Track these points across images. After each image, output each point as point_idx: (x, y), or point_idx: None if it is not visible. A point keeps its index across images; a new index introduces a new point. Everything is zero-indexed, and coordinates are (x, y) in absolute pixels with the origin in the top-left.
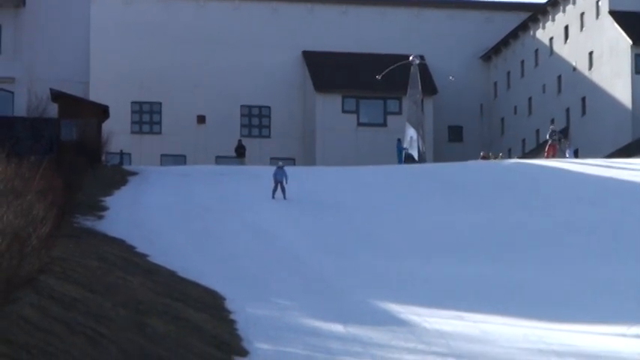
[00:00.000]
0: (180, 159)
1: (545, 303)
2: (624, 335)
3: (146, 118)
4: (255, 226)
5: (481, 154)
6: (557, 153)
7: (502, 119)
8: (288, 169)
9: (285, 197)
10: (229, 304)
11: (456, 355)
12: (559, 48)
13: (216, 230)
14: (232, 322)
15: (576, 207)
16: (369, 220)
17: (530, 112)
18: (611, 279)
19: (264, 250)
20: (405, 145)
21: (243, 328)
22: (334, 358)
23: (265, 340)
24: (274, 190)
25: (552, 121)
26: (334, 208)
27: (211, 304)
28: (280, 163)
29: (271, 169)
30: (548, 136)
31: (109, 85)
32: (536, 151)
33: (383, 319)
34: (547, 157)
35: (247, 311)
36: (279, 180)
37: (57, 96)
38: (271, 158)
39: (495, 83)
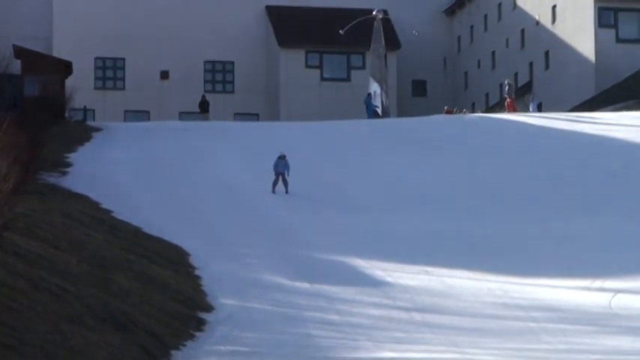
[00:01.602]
0: (143, 115)
1: (510, 257)
2: (588, 288)
3: (109, 74)
4: (219, 182)
5: (445, 108)
6: (516, 107)
7: (465, 73)
8: (252, 125)
9: (287, 191)
10: (194, 260)
11: (420, 310)
12: (522, 2)
13: (180, 186)
14: (197, 278)
15: (540, 161)
16: (334, 175)
17: (493, 67)
18: (576, 233)
19: (228, 205)
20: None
21: (207, 284)
22: (299, 313)
23: (230, 296)
24: (275, 184)
25: (516, 76)
26: (299, 162)
27: (176, 260)
28: (282, 154)
29: (235, 125)
30: (505, 93)
31: (72, 41)
32: (500, 105)
33: (349, 275)
34: (509, 111)
35: (212, 267)
36: (280, 172)
37: (19, 52)
38: (235, 114)
39: (459, 37)
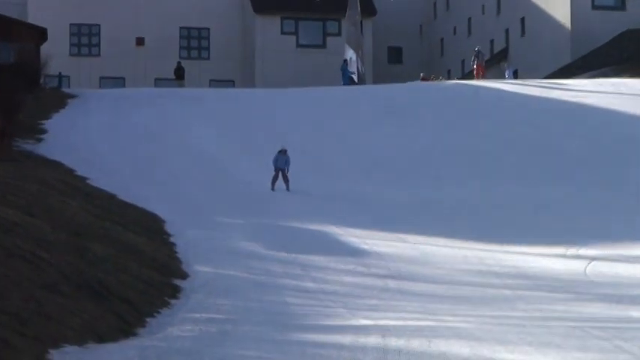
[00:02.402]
0: (119, 81)
1: (485, 224)
2: (564, 256)
3: (85, 40)
4: (195, 148)
5: (421, 75)
6: (485, 73)
7: (441, 40)
8: (227, 91)
9: (288, 188)
10: (169, 227)
11: (395, 277)
12: None
13: (156, 153)
14: (172, 245)
15: (516, 128)
16: (310, 142)
17: (469, 33)
18: (551, 200)
19: (204, 172)
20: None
21: (182, 251)
22: (275, 281)
23: (205, 263)
24: (274, 180)
25: (492, 43)
26: (275, 129)
27: (151, 227)
28: (282, 147)
29: (211, 92)
30: (473, 57)
31: (47, 7)
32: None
33: (324, 242)
34: (477, 78)
35: (187, 234)
36: (280, 168)
37: None
38: (210, 80)
39: (435, 4)
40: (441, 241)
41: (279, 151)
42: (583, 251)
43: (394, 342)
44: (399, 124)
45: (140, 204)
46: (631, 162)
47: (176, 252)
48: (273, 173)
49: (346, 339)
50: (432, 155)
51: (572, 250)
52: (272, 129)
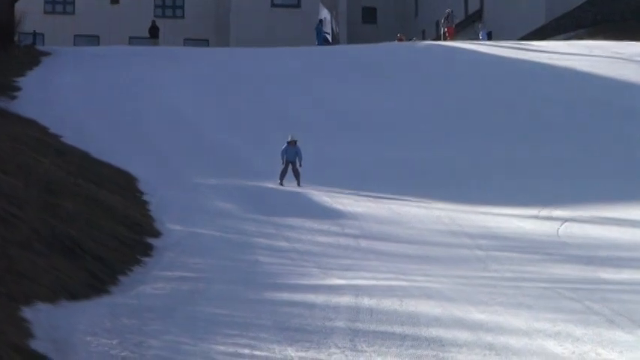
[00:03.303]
0: (93, 39)
1: (457, 185)
2: (536, 217)
3: None
4: (169, 108)
5: (398, 35)
6: (455, 34)
7: (416, 1)
8: (201, 51)
9: (299, 184)
10: (142, 186)
11: (368, 237)
12: None
13: (130, 111)
14: (145, 203)
15: (490, 89)
16: (284, 102)
17: None
18: (524, 161)
19: (178, 131)
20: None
21: (156, 209)
22: (247, 239)
23: (178, 222)
24: (283, 174)
25: (466, 4)
26: (249, 88)
27: (124, 185)
28: (292, 138)
29: (185, 51)
30: (443, 20)
31: None
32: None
33: (296, 202)
34: (449, 38)
35: (160, 193)
36: (290, 160)
37: None
38: (185, 39)
39: None
40: (414, 201)
41: (288, 142)
42: (556, 213)
43: (366, 302)
44: (373, 84)
45: (114, 162)
46: (604, 124)
47: (149, 210)
48: (282, 166)
49: (319, 298)
50: (406, 116)
51: (544, 212)
52: (247, 88)
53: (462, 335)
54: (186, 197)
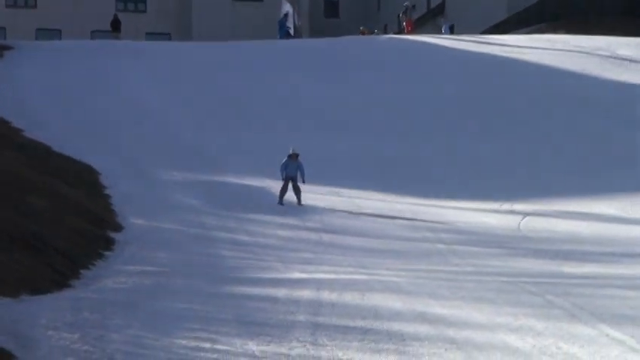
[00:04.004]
0: (55, 33)
1: (419, 179)
2: (498, 211)
3: None
4: (131, 102)
5: (360, 28)
6: (414, 28)
7: None
8: (163, 45)
9: (300, 202)
10: (104, 180)
11: (329, 231)
12: None
13: (92, 105)
14: (107, 197)
15: (450, 83)
16: (245, 96)
17: None
18: (486, 155)
19: (141, 125)
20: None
21: (118, 203)
22: (209, 233)
23: (140, 216)
24: (283, 191)
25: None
26: (210, 82)
27: (86, 179)
28: (293, 151)
29: (147, 45)
30: (401, 14)
31: None
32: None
33: (257, 195)
34: (408, 32)
35: (122, 187)
36: (290, 176)
37: None
38: (147, 33)
39: None
40: (375, 195)
41: (289, 156)
42: (517, 206)
43: (327, 295)
44: (335, 78)
45: (76, 156)
46: (566, 118)
47: (111, 204)
48: (282, 183)
49: (280, 292)
50: (368, 109)
51: (506, 206)
52: (209, 83)
53: (424, 329)
54: (148, 191)
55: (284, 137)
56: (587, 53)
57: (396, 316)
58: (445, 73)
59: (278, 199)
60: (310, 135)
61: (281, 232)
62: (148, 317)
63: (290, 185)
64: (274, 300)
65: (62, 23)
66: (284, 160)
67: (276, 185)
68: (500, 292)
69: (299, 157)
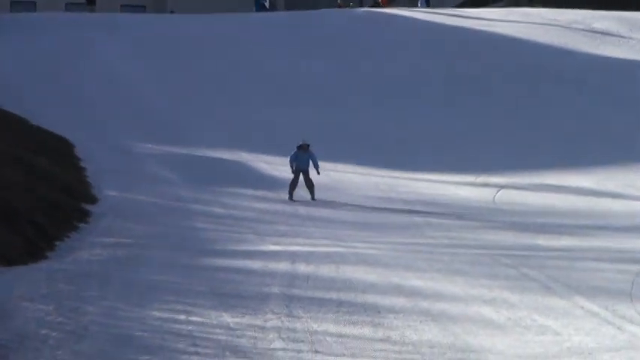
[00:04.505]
0: (29, 5)
1: (395, 153)
2: (473, 184)
3: None
4: (108, 74)
5: (338, 2)
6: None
7: None
8: (139, 17)
9: (313, 197)
10: (79, 152)
11: (304, 204)
12: None
13: (67, 78)
14: (82, 169)
15: (428, 56)
16: (219, 67)
17: None
18: (461, 128)
19: (117, 98)
20: None
21: (93, 175)
22: (184, 206)
23: (115, 188)
24: (293, 185)
25: None
26: (186, 54)
27: (61, 151)
28: (303, 142)
29: (122, 17)
30: None
31: None
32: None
33: (232, 168)
34: (384, 4)
35: (97, 159)
36: (301, 169)
37: None
38: (121, 5)
39: None
40: (351, 167)
41: (299, 147)
42: (492, 179)
43: (303, 268)
44: (310, 50)
45: (51, 129)
46: (541, 92)
47: (86, 176)
48: (292, 177)
49: (255, 265)
50: (344, 83)
51: (481, 179)
52: (185, 56)
53: (399, 301)
54: (123, 164)
55: (259, 112)
56: (562, 27)
57: (371, 288)
58: (420, 46)
59: (288, 194)
60: (285, 109)
61: (256, 205)
62: (123, 289)
63: (301, 178)
64: (249, 272)
65: None
66: (293, 152)
67: (252, 159)
68: (475, 265)
69: (309, 148)
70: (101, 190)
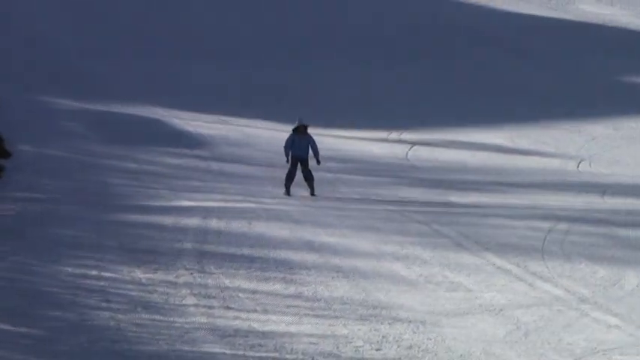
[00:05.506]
0: None
1: (308, 108)
2: (386, 140)
3: None
4: (22, 28)
5: None
6: None
7: None
8: None
9: (313, 192)
10: None
11: (217, 159)
12: None
13: None
14: None
15: (349, 14)
16: (141, 23)
17: None
18: (374, 86)
19: (31, 52)
20: None
21: (5, 130)
22: (97, 161)
23: (29, 143)
24: (290, 177)
25: None
26: (103, 7)
27: None
28: (299, 122)
29: None
30: None
31: None
32: None
33: (147, 124)
34: None
35: (11, 113)
36: (299, 158)
37: None
38: None
39: None
40: (262, 123)
41: (295, 129)
42: (405, 136)
43: (215, 223)
44: (226, 5)
45: None
46: (453, 48)
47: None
48: (289, 167)
49: (168, 220)
50: (258, 38)
51: (394, 135)
52: (103, 8)
53: (311, 257)
54: (38, 119)
55: (173, 66)
56: None
57: (283, 244)
58: (340, 2)
59: (284, 189)
60: (199, 63)
61: (170, 161)
62: (35, 244)
63: (299, 170)
64: (162, 228)
65: None
66: (288, 137)
67: (164, 112)
68: (387, 221)
69: (307, 130)
70: (14, 144)
